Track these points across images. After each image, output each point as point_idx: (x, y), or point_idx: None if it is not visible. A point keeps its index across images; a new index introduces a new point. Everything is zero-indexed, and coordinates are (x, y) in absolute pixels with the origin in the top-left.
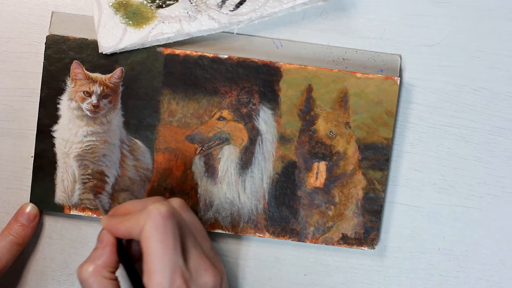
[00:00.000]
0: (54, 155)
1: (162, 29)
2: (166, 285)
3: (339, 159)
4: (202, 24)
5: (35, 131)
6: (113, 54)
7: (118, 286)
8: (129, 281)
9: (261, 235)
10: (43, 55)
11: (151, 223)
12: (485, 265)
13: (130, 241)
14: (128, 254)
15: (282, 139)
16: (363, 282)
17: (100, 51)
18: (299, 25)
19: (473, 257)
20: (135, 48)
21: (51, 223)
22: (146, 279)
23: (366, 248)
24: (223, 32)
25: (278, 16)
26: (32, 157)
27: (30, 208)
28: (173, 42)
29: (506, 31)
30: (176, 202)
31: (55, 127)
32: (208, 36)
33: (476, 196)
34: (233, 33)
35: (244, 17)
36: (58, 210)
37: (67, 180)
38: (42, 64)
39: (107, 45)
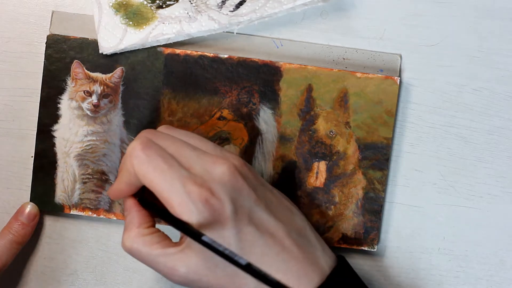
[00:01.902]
0: (54, 154)
1: (162, 30)
2: (186, 200)
3: (339, 159)
4: (202, 24)
5: (35, 131)
6: (114, 54)
7: (163, 235)
8: (168, 222)
9: None
10: (43, 55)
11: (136, 161)
12: (485, 265)
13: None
14: (152, 202)
15: (282, 138)
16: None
17: (100, 52)
18: (299, 25)
19: (473, 257)
20: (136, 49)
21: (51, 223)
22: (171, 210)
23: (366, 248)
24: (223, 32)
25: (278, 17)
26: (32, 157)
27: (30, 207)
28: (173, 42)
29: (506, 31)
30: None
31: (56, 127)
32: (208, 36)
33: (476, 196)
34: (233, 33)
35: (244, 17)
36: (58, 209)
37: (67, 179)
38: (42, 64)
39: (107, 46)
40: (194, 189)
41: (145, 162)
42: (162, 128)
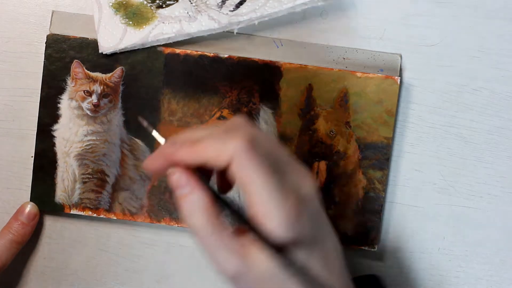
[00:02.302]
0: (54, 154)
1: (162, 29)
2: (284, 224)
3: (339, 159)
4: (202, 24)
5: (35, 131)
6: (113, 54)
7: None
8: (233, 214)
9: None
10: (43, 55)
11: (246, 149)
12: (485, 265)
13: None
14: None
15: (283, 138)
16: None
17: (100, 51)
18: (299, 26)
19: (473, 257)
20: (135, 48)
21: (51, 223)
22: (255, 210)
23: (366, 248)
24: (223, 31)
25: (278, 16)
26: (32, 157)
27: (30, 207)
28: (173, 42)
29: (506, 31)
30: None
31: (56, 127)
32: (208, 36)
33: (476, 196)
34: (233, 33)
35: (244, 17)
36: (58, 209)
37: (67, 179)
38: (42, 64)
39: (107, 46)
40: (291, 202)
41: (255, 156)
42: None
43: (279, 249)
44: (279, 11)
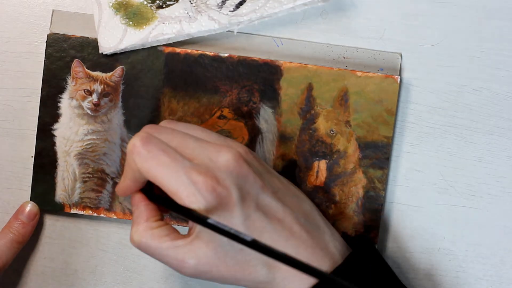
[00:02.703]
0: (54, 153)
1: (162, 30)
2: (193, 190)
3: (339, 158)
4: (202, 24)
5: (35, 131)
6: (114, 54)
7: (171, 228)
8: (175, 211)
9: None
10: (43, 54)
11: (137, 158)
12: (485, 265)
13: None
14: (158, 194)
15: (283, 137)
16: None
17: (100, 52)
18: (299, 26)
19: (473, 257)
20: (136, 49)
21: (51, 222)
22: (177, 200)
23: None
24: (223, 31)
25: (278, 17)
26: (32, 157)
27: (30, 206)
28: (173, 42)
29: (506, 31)
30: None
31: (56, 126)
32: (208, 35)
33: (476, 196)
34: (233, 32)
35: (244, 17)
36: (58, 208)
37: (68, 178)
38: (42, 64)
39: (107, 46)
40: (200, 178)
41: (147, 157)
42: (164, 123)
43: (205, 219)
44: (279, 11)
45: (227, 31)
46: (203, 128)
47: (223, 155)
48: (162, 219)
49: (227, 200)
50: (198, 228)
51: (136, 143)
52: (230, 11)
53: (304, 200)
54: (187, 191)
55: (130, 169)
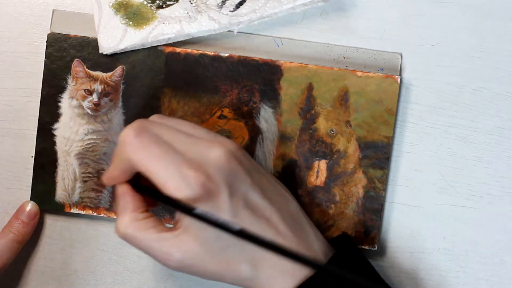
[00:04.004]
0: (55, 153)
1: (162, 30)
2: (182, 184)
3: (339, 158)
4: (202, 24)
5: (35, 131)
6: (114, 54)
7: (158, 220)
8: (162, 202)
9: None
10: (43, 54)
11: (129, 148)
12: (485, 265)
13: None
14: (145, 186)
15: (283, 137)
16: None
17: (100, 52)
18: (299, 26)
19: (473, 257)
20: (136, 49)
21: (51, 222)
22: (165, 191)
23: (366, 247)
24: (223, 31)
25: (278, 17)
26: (32, 157)
27: (30, 206)
28: (173, 42)
29: (506, 31)
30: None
31: (56, 125)
32: (209, 35)
33: (476, 196)
34: (234, 32)
35: (244, 17)
36: (58, 208)
37: (68, 178)
38: (42, 64)
39: (107, 46)
40: (190, 173)
41: (139, 148)
42: (154, 117)
43: (192, 209)
44: (279, 11)
45: (227, 31)
46: (193, 124)
47: (214, 151)
48: (148, 211)
49: (216, 196)
50: (185, 222)
51: (129, 133)
52: (230, 11)
53: (291, 201)
54: (177, 184)
55: (120, 158)
